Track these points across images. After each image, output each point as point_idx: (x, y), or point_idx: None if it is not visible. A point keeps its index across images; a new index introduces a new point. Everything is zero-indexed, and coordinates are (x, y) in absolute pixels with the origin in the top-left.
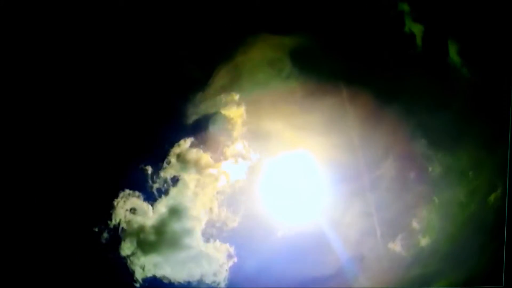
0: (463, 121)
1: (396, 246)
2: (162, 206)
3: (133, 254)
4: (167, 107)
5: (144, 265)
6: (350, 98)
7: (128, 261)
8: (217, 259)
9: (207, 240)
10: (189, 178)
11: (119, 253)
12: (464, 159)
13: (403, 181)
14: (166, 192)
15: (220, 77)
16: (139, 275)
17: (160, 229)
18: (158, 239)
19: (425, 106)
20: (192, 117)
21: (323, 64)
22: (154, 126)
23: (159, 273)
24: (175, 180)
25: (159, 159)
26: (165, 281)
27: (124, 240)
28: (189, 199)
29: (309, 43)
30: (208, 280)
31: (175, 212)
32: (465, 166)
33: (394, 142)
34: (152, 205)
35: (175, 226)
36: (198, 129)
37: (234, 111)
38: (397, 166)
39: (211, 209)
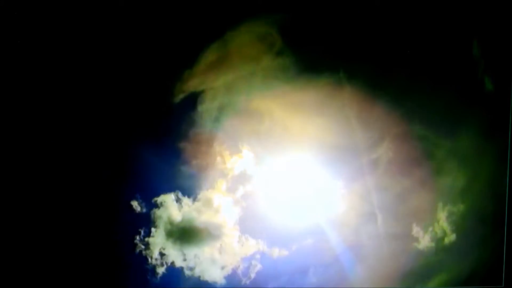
0: (464, 105)
1: (397, 234)
2: (193, 201)
3: (160, 247)
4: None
5: (172, 260)
6: (346, 77)
7: (150, 254)
8: (247, 253)
9: (239, 235)
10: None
11: (141, 247)
12: (465, 145)
13: (401, 165)
14: (198, 188)
15: (209, 53)
16: (162, 270)
17: (189, 224)
18: (187, 233)
19: (424, 87)
20: (179, 96)
21: (317, 41)
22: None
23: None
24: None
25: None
26: (187, 274)
27: (152, 233)
28: (220, 195)
29: (302, 19)
30: (237, 275)
31: (205, 207)
32: (466, 152)
33: (392, 123)
34: (183, 199)
35: (206, 220)
36: (185, 108)
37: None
38: (395, 149)
39: (241, 205)
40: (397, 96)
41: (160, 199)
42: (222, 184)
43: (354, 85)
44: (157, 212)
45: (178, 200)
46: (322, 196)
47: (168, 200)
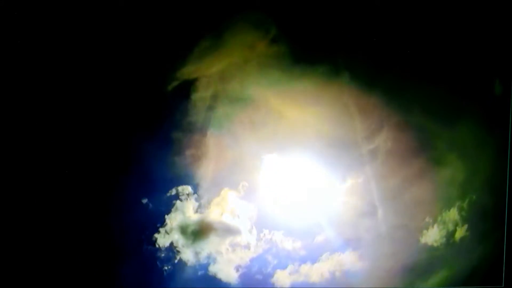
0: (465, 95)
1: (397, 227)
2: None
3: (173, 245)
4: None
5: (186, 258)
6: (344, 65)
7: (162, 253)
8: (262, 248)
9: (258, 232)
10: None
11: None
12: (466, 136)
13: (400, 155)
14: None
15: (203, 40)
16: (175, 268)
17: (206, 222)
18: (199, 231)
19: (424, 77)
20: (172, 84)
21: (314, 28)
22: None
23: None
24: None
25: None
26: (201, 273)
27: (162, 231)
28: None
29: (298, 6)
30: (251, 273)
31: (222, 205)
32: (466, 144)
33: (390, 112)
34: (194, 196)
35: (223, 219)
36: (178, 96)
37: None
38: (394, 139)
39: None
40: (396, 85)
41: (172, 193)
42: (231, 182)
43: (352, 73)
44: (169, 209)
45: (190, 198)
46: (320, 191)
47: (181, 197)
